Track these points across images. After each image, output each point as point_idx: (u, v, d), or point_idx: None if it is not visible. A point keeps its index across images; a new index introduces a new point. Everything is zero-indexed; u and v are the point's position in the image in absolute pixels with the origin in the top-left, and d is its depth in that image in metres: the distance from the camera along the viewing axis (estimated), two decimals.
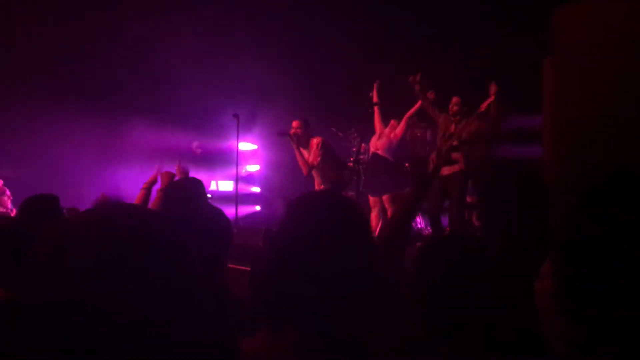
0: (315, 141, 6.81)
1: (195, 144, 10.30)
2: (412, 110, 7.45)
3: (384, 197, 7.19)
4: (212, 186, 10.96)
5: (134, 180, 10.42)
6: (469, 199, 7.12)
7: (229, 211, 8.78)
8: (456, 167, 6.80)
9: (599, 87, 3.80)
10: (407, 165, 8.87)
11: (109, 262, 0.79)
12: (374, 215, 7.27)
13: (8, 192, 6.60)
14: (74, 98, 9.18)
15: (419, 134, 9.07)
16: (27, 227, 1.99)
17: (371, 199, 7.30)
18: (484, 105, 6.73)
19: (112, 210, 0.87)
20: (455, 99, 7.00)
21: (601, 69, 3.81)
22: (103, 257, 0.79)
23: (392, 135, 7.35)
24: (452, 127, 6.87)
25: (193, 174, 10.85)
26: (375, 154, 7.37)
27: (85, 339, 0.77)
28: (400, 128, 7.35)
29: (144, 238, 0.84)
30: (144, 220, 0.86)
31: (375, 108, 7.66)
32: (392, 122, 7.61)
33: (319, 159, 6.69)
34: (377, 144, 7.38)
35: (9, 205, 6.45)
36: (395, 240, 1.97)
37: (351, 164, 8.25)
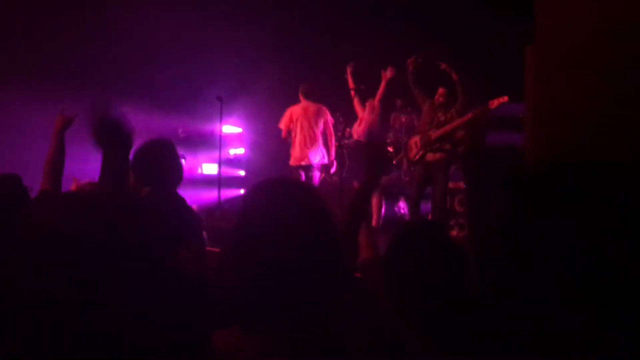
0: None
1: (180, 129, 10.31)
2: (380, 93, 7.40)
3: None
4: (206, 169, 11.00)
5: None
6: (451, 185, 7.18)
7: (213, 194, 8.79)
8: (439, 155, 6.85)
9: (578, 76, 3.85)
10: (390, 149, 8.90)
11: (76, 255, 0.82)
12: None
13: None
14: (45, 79, 9.07)
15: (403, 119, 9.06)
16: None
17: (356, 185, 7.32)
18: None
19: (74, 203, 0.89)
20: (440, 90, 7.02)
21: (580, 58, 3.85)
22: (71, 250, 0.82)
23: (370, 120, 7.32)
24: (441, 115, 6.90)
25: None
26: (357, 141, 7.33)
27: (59, 328, 0.80)
28: (375, 114, 7.32)
29: (106, 228, 0.85)
30: (105, 210, 0.88)
31: (352, 93, 7.57)
32: (368, 104, 7.55)
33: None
34: (358, 130, 7.36)
35: None
36: (350, 226, 1.92)
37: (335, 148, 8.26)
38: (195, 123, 10.55)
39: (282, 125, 7.30)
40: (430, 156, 6.89)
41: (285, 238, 1.15)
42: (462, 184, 7.21)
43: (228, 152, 11.28)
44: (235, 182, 11.36)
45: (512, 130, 7.21)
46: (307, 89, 7.18)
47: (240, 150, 11.80)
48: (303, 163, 7.11)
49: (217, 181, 8.34)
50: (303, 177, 7.02)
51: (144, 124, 10.17)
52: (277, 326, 1.16)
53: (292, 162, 7.24)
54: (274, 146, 10.58)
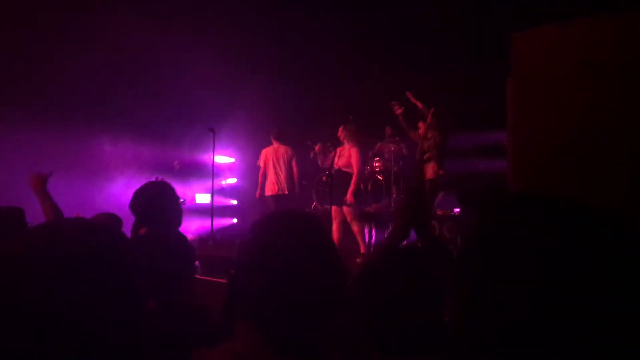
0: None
1: (176, 162, 10.48)
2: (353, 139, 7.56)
3: (345, 210, 7.29)
4: (199, 199, 11.10)
5: (106, 194, 10.45)
6: (439, 212, 7.31)
7: (206, 223, 8.87)
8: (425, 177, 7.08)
9: (555, 109, 4.01)
10: (380, 177, 9.04)
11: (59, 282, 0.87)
12: (334, 227, 7.36)
13: None
14: (42, 110, 9.20)
15: (392, 148, 9.21)
16: None
17: (334, 210, 7.37)
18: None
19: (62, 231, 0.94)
20: (419, 123, 7.37)
21: (557, 92, 4.02)
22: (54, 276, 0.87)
23: (350, 160, 7.43)
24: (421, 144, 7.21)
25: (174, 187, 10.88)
26: (338, 170, 7.45)
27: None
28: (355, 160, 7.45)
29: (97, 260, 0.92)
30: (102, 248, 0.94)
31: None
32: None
33: None
34: (337, 162, 7.50)
35: None
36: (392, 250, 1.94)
37: (325, 178, 8.41)
38: (188, 154, 10.70)
39: (261, 163, 8.60)
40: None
41: (287, 266, 1.24)
42: (450, 211, 7.35)
43: (220, 182, 11.41)
44: (227, 211, 11.46)
45: (498, 158, 7.38)
46: (277, 133, 8.55)
47: (233, 180, 11.91)
48: (274, 193, 8.40)
49: (210, 210, 8.42)
50: (273, 205, 8.27)
51: (137, 155, 10.42)
52: (280, 346, 1.25)
53: (266, 192, 8.51)
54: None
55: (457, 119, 8.42)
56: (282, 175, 8.41)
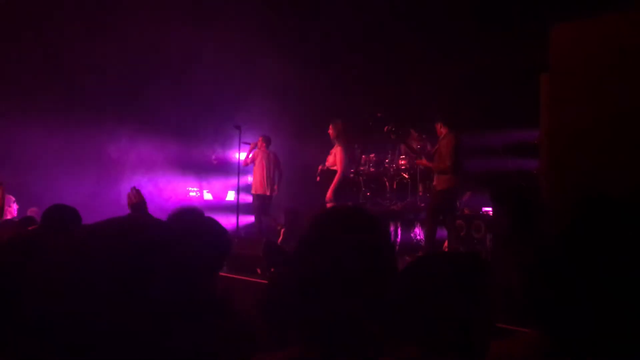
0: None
1: (214, 156, 10.64)
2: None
3: (328, 206, 7.31)
4: (229, 196, 11.23)
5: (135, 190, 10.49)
6: (467, 211, 7.21)
7: (231, 221, 8.89)
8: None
9: (593, 103, 3.90)
10: (406, 175, 8.95)
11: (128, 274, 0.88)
12: None
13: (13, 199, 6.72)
14: (77, 108, 9.33)
15: (418, 146, 9.11)
16: (52, 236, 2.00)
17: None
18: None
19: (126, 225, 0.95)
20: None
21: (596, 85, 3.91)
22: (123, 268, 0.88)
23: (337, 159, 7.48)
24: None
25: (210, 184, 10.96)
26: (327, 169, 7.53)
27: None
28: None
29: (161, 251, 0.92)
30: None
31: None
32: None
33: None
34: (327, 161, 7.57)
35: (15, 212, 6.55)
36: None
37: (352, 175, 8.37)
38: (214, 150, 10.80)
39: (249, 160, 9.00)
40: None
41: (345, 264, 1.22)
42: (478, 210, 7.24)
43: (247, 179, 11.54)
44: (251, 208, 11.48)
45: (527, 157, 7.26)
46: (267, 139, 8.99)
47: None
48: (259, 193, 8.86)
49: (235, 208, 8.44)
50: (258, 204, 8.87)
51: (164, 153, 10.51)
52: (322, 345, 1.23)
53: (252, 191, 9.03)
54: (289, 173, 10.73)
55: (485, 117, 8.32)
56: (267, 178, 8.86)
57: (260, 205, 8.86)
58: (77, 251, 0.90)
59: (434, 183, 6.82)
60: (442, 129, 6.78)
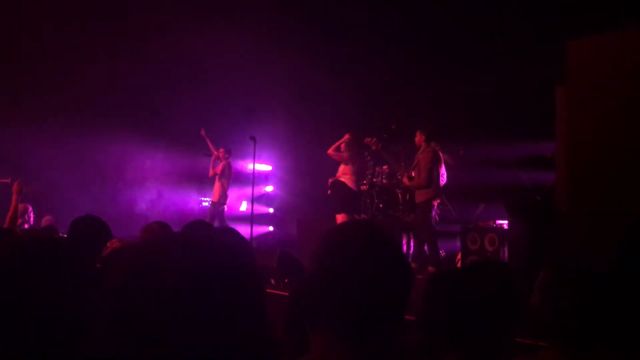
0: None
1: (244, 163, 10.82)
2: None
3: (338, 217, 7.38)
4: (243, 207, 11.32)
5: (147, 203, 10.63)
6: (481, 224, 7.21)
7: (244, 231, 8.94)
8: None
9: (609, 117, 3.93)
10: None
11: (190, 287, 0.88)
12: None
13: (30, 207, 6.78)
14: (89, 117, 9.45)
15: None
16: (85, 246, 1.98)
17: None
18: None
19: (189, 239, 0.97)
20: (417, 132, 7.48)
21: (612, 99, 3.94)
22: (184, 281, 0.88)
23: (346, 169, 7.68)
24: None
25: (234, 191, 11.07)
26: (336, 180, 7.68)
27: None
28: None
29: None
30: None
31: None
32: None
33: None
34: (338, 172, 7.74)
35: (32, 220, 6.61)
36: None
37: (365, 187, 8.42)
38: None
39: (218, 170, 9.45)
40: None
41: (359, 280, 1.26)
42: (491, 223, 7.24)
43: (264, 189, 11.65)
44: (264, 219, 11.53)
45: (541, 169, 7.26)
46: (228, 151, 9.45)
47: (270, 188, 12.00)
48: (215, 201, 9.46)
49: (250, 218, 8.49)
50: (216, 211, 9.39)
51: (179, 163, 10.59)
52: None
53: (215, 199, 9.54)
54: (302, 184, 10.78)
55: (497, 130, 8.35)
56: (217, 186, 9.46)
57: (217, 212, 9.41)
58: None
59: (415, 198, 7.21)
60: (420, 139, 7.11)
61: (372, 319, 1.27)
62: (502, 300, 1.61)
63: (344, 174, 7.55)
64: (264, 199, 11.82)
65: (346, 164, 7.56)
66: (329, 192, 7.92)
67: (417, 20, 8.74)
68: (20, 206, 6.73)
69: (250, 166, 8.97)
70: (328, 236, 1.40)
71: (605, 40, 3.81)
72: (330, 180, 7.73)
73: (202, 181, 10.87)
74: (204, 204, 11.17)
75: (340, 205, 7.39)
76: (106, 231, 3.03)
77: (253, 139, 8.39)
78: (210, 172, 9.55)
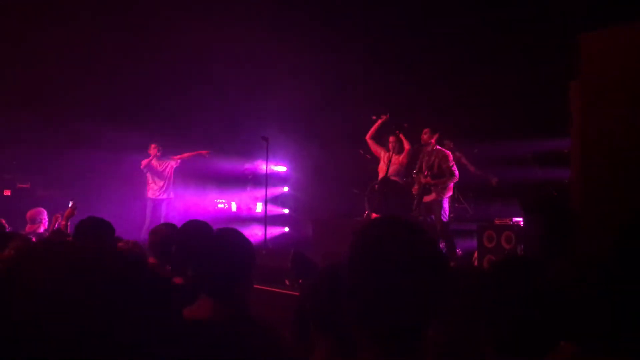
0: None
1: (247, 166, 10.78)
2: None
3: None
4: (258, 208, 11.34)
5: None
6: (497, 222, 7.11)
7: (259, 232, 8.94)
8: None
9: (623, 109, 3.83)
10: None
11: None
12: None
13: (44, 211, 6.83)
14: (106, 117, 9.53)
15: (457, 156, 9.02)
16: (91, 250, 1.99)
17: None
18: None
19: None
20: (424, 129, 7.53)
21: (626, 91, 3.84)
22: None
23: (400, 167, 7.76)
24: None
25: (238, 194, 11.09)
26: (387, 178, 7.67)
27: None
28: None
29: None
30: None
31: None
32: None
33: None
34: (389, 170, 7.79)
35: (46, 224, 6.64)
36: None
37: (377, 186, 8.36)
38: (240, 162, 10.89)
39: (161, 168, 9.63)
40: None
41: (394, 278, 1.22)
42: (508, 220, 7.13)
43: (282, 190, 11.68)
44: (279, 220, 11.51)
45: (556, 166, 7.16)
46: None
47: (284, 189, 11.98)
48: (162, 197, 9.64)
49: (264, 219, 8.47)
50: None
51: (194, 165, 10.63)
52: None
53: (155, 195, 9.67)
54: (316, 185, 10.73)
55: (512, 126, 8.24)
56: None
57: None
58: None
59: (435, 196, 7.32)
60: (430, 137, 7.31)
61: (407, 321, 1.24)
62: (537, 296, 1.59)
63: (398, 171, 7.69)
64: (280, 200, 11.80)
65: (399, 156, 7.67)
66: (375, 187, 7.91)
67: (432, 17, 8.68)
68: (36, 210, 6.80)
69: (264, 167, 8.97)
70: (366, 232, 1.34)
71: (618, 32, 3.72)
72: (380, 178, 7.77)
73: (219, 183, 10.91)
74: (219, 205, 11.18)
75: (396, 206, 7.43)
76: (111, 233, 3.05)
77: (266, 139, 8.36)
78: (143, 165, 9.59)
